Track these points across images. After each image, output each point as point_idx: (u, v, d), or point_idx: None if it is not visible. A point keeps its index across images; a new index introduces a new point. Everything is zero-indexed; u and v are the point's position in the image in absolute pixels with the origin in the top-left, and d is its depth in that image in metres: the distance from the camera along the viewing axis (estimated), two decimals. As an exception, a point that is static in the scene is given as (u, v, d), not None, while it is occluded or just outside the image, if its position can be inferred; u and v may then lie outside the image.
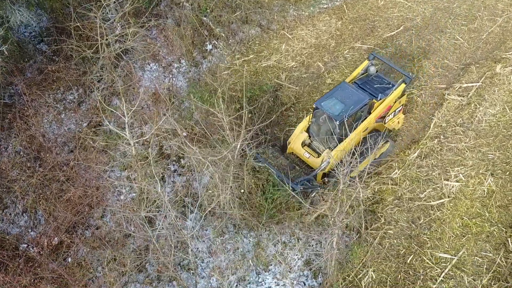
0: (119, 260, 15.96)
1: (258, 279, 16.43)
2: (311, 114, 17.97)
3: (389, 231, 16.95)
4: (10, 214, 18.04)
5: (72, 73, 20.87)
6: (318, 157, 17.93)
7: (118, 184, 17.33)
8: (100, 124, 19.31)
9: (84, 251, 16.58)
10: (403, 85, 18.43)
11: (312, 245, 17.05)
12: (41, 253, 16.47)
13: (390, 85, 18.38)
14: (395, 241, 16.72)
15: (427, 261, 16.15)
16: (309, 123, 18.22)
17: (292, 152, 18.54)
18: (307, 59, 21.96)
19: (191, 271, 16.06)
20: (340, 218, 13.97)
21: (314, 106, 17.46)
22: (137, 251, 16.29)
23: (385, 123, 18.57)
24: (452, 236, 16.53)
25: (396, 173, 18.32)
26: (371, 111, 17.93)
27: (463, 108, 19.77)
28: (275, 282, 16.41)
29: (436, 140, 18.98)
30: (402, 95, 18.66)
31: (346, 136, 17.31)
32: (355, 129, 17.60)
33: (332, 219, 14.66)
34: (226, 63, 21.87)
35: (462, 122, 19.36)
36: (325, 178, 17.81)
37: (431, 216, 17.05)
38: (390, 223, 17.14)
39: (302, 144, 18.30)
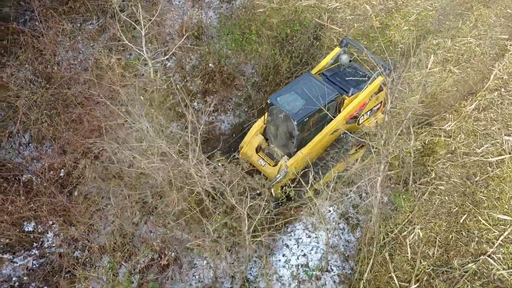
0: (131, 196, 13.93)
1: (287, 229, 14.42)
2: (267, 112, 14.87)
3: (440, 187, 14.78)
4: (15, 143, 16.26)
5: (93, 1, 18.99)
6: (275, 165, 14.75)
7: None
8: (121, 49, 17.33)
9: (91, 185, 14.67)
10: (380, 78, 14.68)
11: (351, 197, 14.99)
12: (45, 184, 14.62)
13: (366, 78, 14.97)
14: (446, 198, 14.55)
15: (484, 222, 13.96)
16: (265, 123, 15.10)
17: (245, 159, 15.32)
18: (352, 1, 19.75)
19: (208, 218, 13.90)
20: (388, 149, 11.78)
21: (268, 101, 14.22)
22: (152, 188, 14.26)
23: (358, 124, 15.37)
24: (513, 197, 14.34)
25: (450, 125, 16.11)
26: (341, 109, 14.87)
27: (529, 61, 17.46)
28: (306, 234, 14.38)
29: (496, 92, 16.71)
30: (380, 90, 15.12)
31: (309, 140, 14.52)
32: (320, 131, 14.65)
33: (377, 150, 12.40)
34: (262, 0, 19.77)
35: (527, 75, 17.07)
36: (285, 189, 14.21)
37: (488, 174, 14.84)
38: (441, 178, 14.97)
39: (257, 149, 15.06)
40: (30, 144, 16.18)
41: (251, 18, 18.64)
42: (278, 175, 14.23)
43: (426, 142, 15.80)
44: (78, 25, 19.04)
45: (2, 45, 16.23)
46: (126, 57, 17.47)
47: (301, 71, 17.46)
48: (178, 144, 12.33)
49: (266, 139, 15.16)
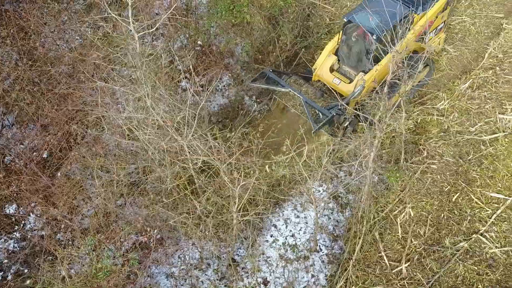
0: (116, 176, 13.50)
1: (276, 209, 14.07)
2: (341, 32, 15.19)
3: (432, 166, 14.46)
4: (-2, 126, 15.87)
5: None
6: (350, 83, 15.26)
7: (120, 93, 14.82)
8: (109, 32, 16.88)
9: (75, 165, 14.31)
10: None
11: (341, 176, 14.64)
12: (27, 165, 14.26)
13: None
14: (438, 177, 14.22)
15: (476, 200, 13.63)
16: (338, 43, 15.51)
17: (319, 80, 15.79)
18: (344, -20, 19.38)
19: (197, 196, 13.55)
20: (382, 125, 11.44)
21: (344, 20, 14.68)
22: (139, 167, 13.90)
23: (424, 43, 15.62)
24: (507, 175, 13.95)
25: (443, 103, 15.75)
26: (411, 27, 14.93)
27: (524, 39, 17.08)
28: (294, 214, 14.04)
29: (491, 71, 16.32)
30: (445, 9, 15.96)
31: (383, 56, 14.63)
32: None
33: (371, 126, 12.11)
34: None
35: (522, 53, 16.69)
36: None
37: (482, 152, 14.49)
38: (433, 157, 14.64)
39: (330, 70, 15.59)
40: (13, 126, 15.78)
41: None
42: (356, 89, 14.60)
43: (419, 121, 15.45)
44: (65, 4, 18.60)
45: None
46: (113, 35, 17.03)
47: (301, 44, 17.45)
48: (179, 117, 12.06)
49: (338, 60, 15.59)
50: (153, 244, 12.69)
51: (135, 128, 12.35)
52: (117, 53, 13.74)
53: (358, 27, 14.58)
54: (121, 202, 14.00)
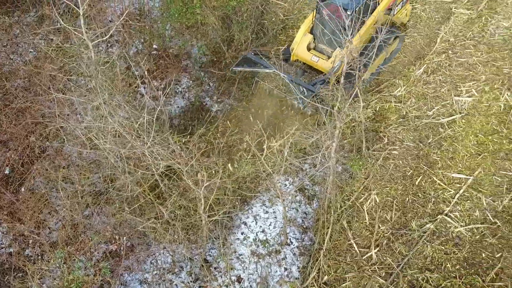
0: (81, 186, 13.43)
1: (244, 206, 14.15)
2: (314, 11, 15.64)
3: (393, 152, 14.74)
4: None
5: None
6: (328, 59, 15.62)
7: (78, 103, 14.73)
8: (63, 43, 16.73)
9: (38, 179, 14.15)
10: None
11: (306, 169, 14.81)
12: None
13: None
14: (400, 162, 14.51)
15: (439, 182, 13.96)
16: (312, 22, 15.88)
17: (297, 60, 16.11)
18: (295, -25, 19.55)
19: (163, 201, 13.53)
20: (342, 115, 11.62)
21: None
22: (103, 176, 13.82)
23: (393, 15, 16.30)
24: (466, 155, 14.34)
25: (399, 90, 16.05)
26: (379, 1, 15.72)
27: (473, 22, 17.54)
28: (263, 210, 14.14)
29: (444, 55, 16.72)
30: None
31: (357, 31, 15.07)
32: (364, 23, 15.39)
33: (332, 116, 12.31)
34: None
35: (472, 36, 17.12)
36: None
37: (441, 135, 14.85)
38: (394, 143, 14.93)
39: (307, 48, 15.94)
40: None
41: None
42: (336, 64, 15.07)
43: (377, 109, 15.71)
44: (16, 18, 18.35)
45: None
46: (67, 46, 16.88)
47: (257, 42, 17.51)
48: (138, 124, 12.03)
49: (313, 39, 15.96)
50: (123, 252, 12.68)
51: (95, 137, 12.27)
52: (73, 63, 13.68)
53: (329, 5, 14.97)
54: (88, 213, 13.88)
